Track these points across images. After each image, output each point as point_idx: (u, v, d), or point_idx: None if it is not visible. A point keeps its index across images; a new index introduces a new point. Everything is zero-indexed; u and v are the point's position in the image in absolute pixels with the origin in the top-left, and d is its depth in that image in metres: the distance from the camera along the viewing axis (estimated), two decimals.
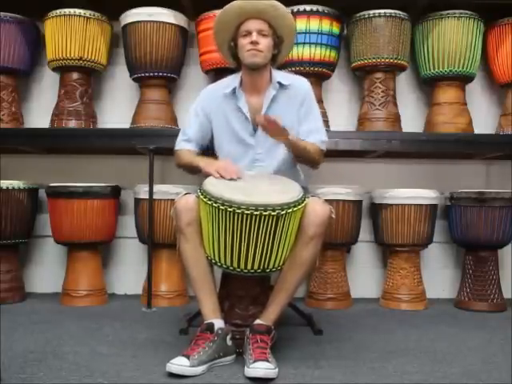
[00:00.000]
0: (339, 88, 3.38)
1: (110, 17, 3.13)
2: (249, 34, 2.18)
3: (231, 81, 2.31)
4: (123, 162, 3.26)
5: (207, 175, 2.09)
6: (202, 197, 1.92)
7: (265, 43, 2.18)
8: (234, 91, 2.26)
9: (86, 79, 3.13)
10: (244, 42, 2.19)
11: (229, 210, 1.84)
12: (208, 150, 2.38)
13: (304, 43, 2.97)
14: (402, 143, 2.96)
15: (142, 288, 3.06)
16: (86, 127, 3.09)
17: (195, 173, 2.27)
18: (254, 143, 2.26)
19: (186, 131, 2.33)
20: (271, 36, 2.21)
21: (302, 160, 2.28)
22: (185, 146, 2.32)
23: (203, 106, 2.32)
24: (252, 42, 2.16)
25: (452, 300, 3.12)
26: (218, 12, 2.28)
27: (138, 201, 3.02)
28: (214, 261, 1.99)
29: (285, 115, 2.21)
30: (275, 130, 2.03)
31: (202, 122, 2.31)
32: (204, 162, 2.17)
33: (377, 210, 3.07)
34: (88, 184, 2.92)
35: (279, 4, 2.21)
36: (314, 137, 2.27)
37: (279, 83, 2.26)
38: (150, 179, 2.87)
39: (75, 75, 3.10)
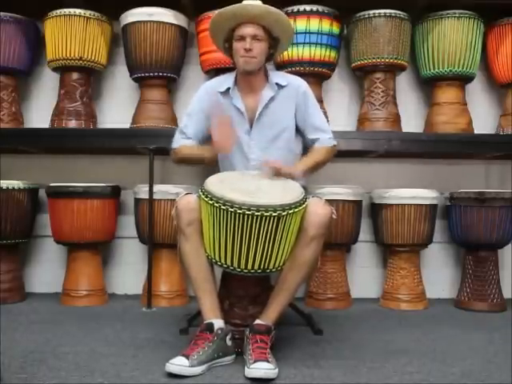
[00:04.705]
0: (339, 88, 3.38)
1: (110, 17, 3.13)
2: (243, 39, 2.16)
3: (226, 79, 2.32)
4: (123, 161, 3.26)
5: (211, 162, 2.25)
6: (203, 196, 1.92)
7: (258, 49, 2.17)
8: (228, 90, 2.27)
9: (86, 79, 3.13)
10: (238, 46, 2.18)
11: (230, 210, 1.84)
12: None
13: (304, 43, 2.98)
14: (401, 143, 2.96)
15: (142, 288, 3.06)
16: (86, 127, 3.09)
17: (196, 163, 2.40)
18: (248, 141, 2.26)
19: (184, 130, 2.32)
20: (266, 40, 2.19)
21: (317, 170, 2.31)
22: (184, 142, 2.31)
23: (201, 102, 2.31)
24: (245, 49, 2.15)
25: (452, 300, 3.11)
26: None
27: (137, 201, 3.02)
28: (214, 260, 1.99)
29: (282, 114, 2.25)
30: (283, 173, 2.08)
31: (200, 119, 2.29)
32: (206, 150, 2.23)
33: (377, 210, 3.07)
34: (88, 184, 2.92)
35: (273, 8, 2.16)
36: (322, 136, 2.29)
37: (277, 84, 2.26)
38: (150, 179, 2.87)
39: (75, 75, 3.10)
